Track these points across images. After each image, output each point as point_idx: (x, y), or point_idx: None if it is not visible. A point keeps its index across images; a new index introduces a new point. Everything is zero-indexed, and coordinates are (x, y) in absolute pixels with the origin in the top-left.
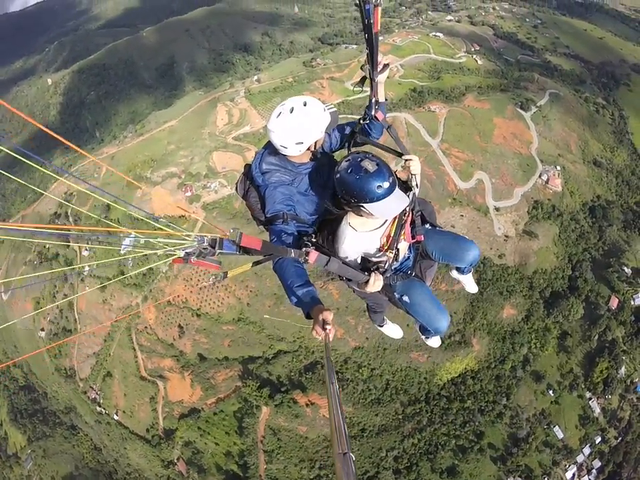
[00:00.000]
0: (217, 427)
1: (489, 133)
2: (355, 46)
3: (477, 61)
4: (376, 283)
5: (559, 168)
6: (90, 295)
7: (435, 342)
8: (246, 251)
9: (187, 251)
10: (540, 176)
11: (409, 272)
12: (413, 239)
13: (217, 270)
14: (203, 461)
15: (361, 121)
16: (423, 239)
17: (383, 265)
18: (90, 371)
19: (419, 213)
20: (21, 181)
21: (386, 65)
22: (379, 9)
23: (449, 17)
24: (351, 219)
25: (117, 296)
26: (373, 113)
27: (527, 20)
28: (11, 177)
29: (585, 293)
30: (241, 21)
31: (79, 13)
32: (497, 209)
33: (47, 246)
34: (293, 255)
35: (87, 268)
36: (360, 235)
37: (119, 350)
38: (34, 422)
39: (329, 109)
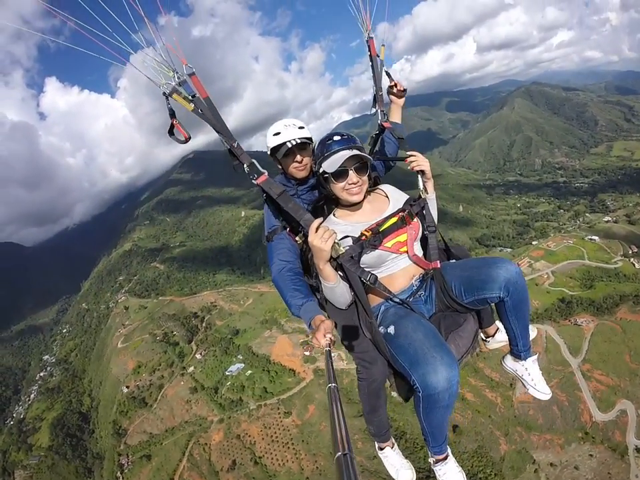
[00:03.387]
0: None
1: None
2: (509, 249)
3: (634, 265)
4: (319, 232)
5: None
6: (180, 389)
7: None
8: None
9: (171, 82)
10: None
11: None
12: (425, 261)
13: (185, 138)
14: None
15: (373, 135)
16: (439, 266)
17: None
18: (137, 444)
19: (434, 229)
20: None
21: (404, 90)
22: (374, 40)
23: (607, 218)
24: (337, 209)
25: (200, 404)
26: (379, 121)
27: None
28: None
29: None
30: None
31: None
32: (639, 450)
33: (174, 332)
34: (240, 155)
35: (191, 368)
36: (338, 222)
37: (171, 446)
38: (65, 441)
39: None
